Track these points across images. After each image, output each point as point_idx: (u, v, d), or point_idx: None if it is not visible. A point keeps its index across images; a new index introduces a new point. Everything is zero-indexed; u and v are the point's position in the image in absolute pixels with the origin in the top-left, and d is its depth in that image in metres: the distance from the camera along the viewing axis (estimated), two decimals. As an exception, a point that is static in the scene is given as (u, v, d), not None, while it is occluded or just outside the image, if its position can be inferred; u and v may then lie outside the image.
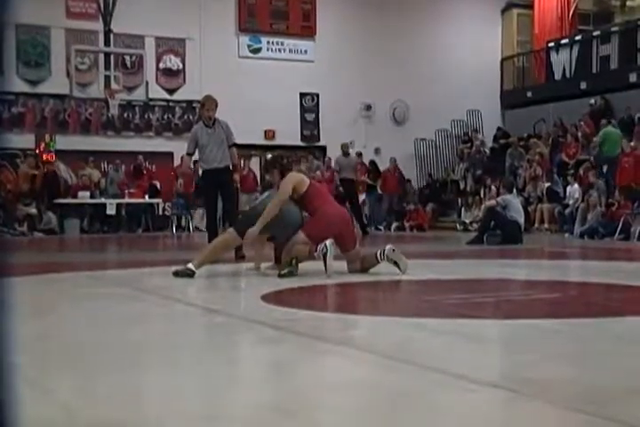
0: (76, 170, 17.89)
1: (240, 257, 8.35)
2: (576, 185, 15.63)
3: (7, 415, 1.25)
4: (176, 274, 6.41)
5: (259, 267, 7.00)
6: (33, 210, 16.35)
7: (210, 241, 8.15)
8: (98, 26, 18.24)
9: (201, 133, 8.79)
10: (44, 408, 2.38)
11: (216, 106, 8.85)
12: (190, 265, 6.47)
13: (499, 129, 21.49)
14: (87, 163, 18.00)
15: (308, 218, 6.66)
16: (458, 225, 18.07)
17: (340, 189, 16.23)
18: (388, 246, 6.69)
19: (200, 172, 9.30)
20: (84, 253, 11.79)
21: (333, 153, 20.20)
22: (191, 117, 18.93)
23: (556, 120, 19.17)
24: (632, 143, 15.10)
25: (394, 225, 18.85)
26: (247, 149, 18.97)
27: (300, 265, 6.52)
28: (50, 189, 16.88)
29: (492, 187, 17.47)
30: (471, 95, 21.45)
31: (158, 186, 18.48)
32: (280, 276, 6.37)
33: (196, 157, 9.20)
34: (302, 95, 20.72)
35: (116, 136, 18.81)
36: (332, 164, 17.64)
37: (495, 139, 21.06)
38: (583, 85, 19.56)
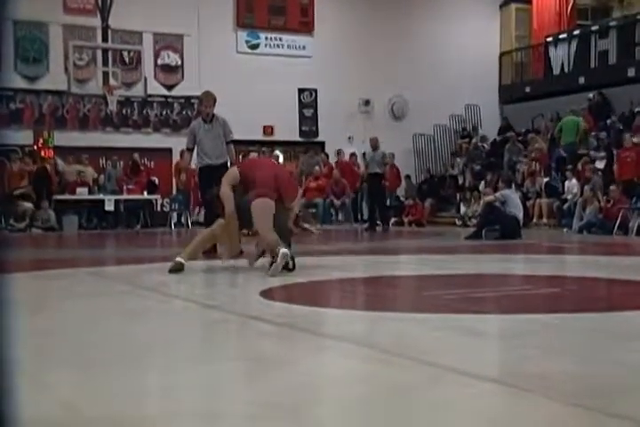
0: (71, 166, 17.82)
1: (239, 252, 8.34)
2: (574, 180, 15.63)
3: (7, 411, 1.25)
4: (170, 271, 6.43)
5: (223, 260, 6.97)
6: (29, 205, 16.29)
7: None
8: (96, 22, 18.23)
9: (199, 129, 8.83)
10: (44, 405, 2.38)
11: (214, 102, 8.85)
12: (179, 258, 6.49)
13: (504, 119, 21.51)
14: (82, 160, 17.93)
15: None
16: (456, 220, 18.08)
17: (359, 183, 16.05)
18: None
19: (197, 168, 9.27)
20: (82, 250, 11.78)
21: (332, 148, 20.27)
22: (189, 113, 18.91)
23: (553, 114, 19.16)
24: (635, 139, 15.11)
25: (392, 220, 18.85)
26: (246, 145, 18.96)
27: (296, 260, 6.50)
28: (40, 185, 16.75)
29: (482, 182, 17.50)
30: (470, 90, 21.45)
31: (157, 182, 18.46)
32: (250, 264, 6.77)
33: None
34: (301, 91, 20.70)
35: (115, 132, 18.78)
36: (361, 158, 17.53)
37: (500, 130, 21.03)
38: (581, 80, 19.56)
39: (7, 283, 1.28)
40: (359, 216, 19.03)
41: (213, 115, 8.85)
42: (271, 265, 6.25)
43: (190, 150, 9.08)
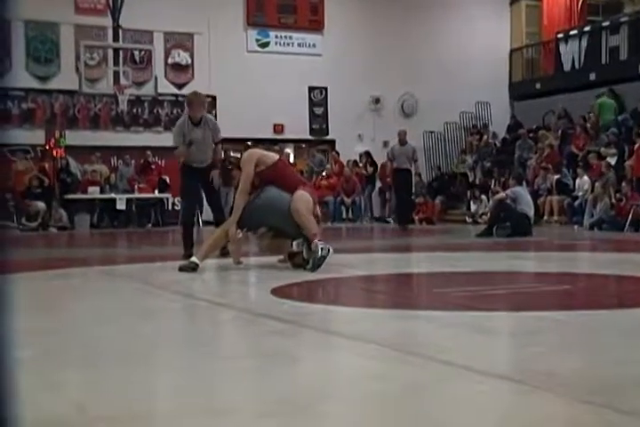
0: (84, 165, 17.90)
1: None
2: (585, 177, 15.57)
3: (7, 412, 1.25)
4: (181, 269, 6.45)
5: (239, 262, 6.88)
6: (42, 204, 16.34)
7: (185, 236, 8.15)
8: (106, 21, 18.26)
9: (187, 130, 8.18)
10: (54, 404, 2.40)
11: (204, 106, 8.33)
12: (194, 258, 6.52)
13: (513, 117, 21.48)
14: (95, 159, 18.00)
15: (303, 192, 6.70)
16: (467, 218, 18.05)
17: (388, 179, 15.73)
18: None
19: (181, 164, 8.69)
20: (94, 249, 11.83)
21: (342, 146, 20.26)
22: (200, 112, 18.91)
23: (561, 112, 19.09)
24: None
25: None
26: (256, 144, 18.94)
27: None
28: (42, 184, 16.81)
29: (493, 181, 17.46)
30: (480, 87, 21.38)
31: (168, 181, 18.49)
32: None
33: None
34: (311, 89, 20.69)
35: (126, 131, 18.82)
36: (388, 153, 16.93)
37: (509, 129, 21.01)
38: (592, 76, 19.47)
39: (9, 282, 1.28)
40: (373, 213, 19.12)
41: (202, 116, 8.21)
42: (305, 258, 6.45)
43: (185, 146, 8.18)
